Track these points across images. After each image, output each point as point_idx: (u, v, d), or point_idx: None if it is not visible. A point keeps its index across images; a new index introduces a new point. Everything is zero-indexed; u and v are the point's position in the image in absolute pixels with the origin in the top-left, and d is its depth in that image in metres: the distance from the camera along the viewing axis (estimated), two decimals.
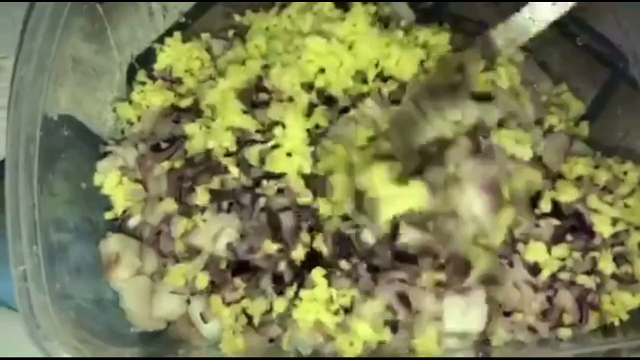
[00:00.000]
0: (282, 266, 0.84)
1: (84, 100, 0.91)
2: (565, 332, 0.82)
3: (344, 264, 0.83)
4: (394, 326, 0.82)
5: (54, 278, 0.77)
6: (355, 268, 0.83)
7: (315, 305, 0.81)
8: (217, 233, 0.86)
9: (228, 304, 0.83)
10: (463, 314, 0.81)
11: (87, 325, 0.81)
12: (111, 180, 0.91)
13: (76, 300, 0.82)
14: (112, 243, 0.88)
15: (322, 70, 0.92)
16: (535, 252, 0.82)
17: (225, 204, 0.87)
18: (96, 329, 0.82)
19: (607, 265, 0.82)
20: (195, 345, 0.87)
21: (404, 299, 0.81)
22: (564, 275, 0.83)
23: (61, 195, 0.84)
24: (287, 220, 0.86)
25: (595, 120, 0.98)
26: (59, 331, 0.74)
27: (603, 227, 0.83)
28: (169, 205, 0.89)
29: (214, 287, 0.85)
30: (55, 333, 0.74)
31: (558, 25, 0.97)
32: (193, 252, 0.87)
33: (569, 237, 0.84)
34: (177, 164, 0.90)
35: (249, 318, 0.84)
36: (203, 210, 0.87)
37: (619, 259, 0.84)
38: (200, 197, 0.87)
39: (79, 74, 0.89)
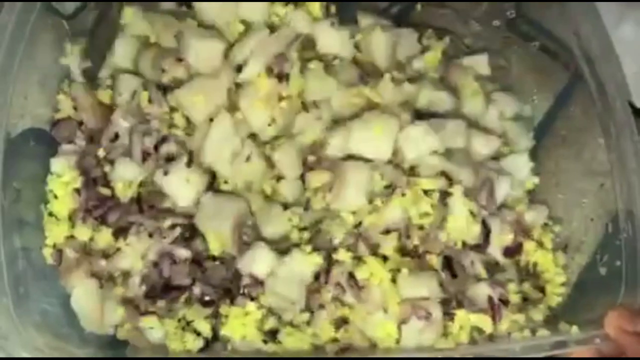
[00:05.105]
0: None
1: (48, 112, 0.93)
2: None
3: None
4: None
5: (17, 282, 0.79)
6: None
7: (243, 322, 0.83)
8: (144, 252, 0.86)
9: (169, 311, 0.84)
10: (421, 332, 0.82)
11: (54, 329, 0.83)
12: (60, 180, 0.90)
13: (41, 303, 0.84)
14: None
15: None
16: None
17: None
18: (64, 333, 0.84)
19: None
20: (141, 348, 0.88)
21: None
22: None
23: (26, 200, 0.86)
24: None
25: (554, 123, 0.99)
26: (20, 333, 0.76)
27: None
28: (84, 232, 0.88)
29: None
30: (17, 334, 0.76)
31: (513, 27, 0.99)
32: (123, 274, 0.87)
33: None
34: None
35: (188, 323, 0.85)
36: (125, 233, 0.87)
37: None
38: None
39: (45, 88, 0.91)
